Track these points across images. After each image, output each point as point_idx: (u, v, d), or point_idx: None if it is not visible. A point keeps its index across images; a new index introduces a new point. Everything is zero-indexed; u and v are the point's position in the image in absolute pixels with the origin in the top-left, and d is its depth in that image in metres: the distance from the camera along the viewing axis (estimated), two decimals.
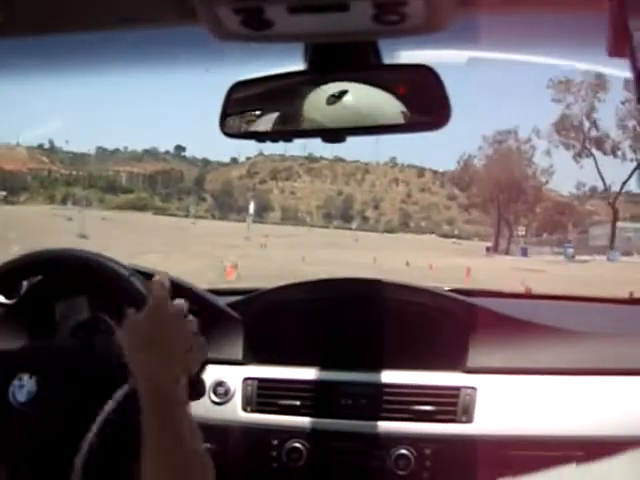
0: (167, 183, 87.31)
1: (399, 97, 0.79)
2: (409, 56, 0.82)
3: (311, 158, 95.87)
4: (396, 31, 0.65)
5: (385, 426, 1.25)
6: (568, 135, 35.68)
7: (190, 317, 0.86)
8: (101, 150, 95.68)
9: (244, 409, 1.31)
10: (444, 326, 1.34)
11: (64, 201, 59.69)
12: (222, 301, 1.44)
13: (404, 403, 1.26)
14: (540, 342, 1.30)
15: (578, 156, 35.33)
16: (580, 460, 0.36)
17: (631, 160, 33.75)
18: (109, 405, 0.99)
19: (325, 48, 0.78)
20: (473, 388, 1.26)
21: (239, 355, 1.37)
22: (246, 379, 1.33)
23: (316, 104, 0.79)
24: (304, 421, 1.28)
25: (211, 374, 1.33)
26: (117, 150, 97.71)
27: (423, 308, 1.35)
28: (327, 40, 0.74)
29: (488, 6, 0.66)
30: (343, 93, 0.77)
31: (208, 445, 0.93)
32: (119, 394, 1.00)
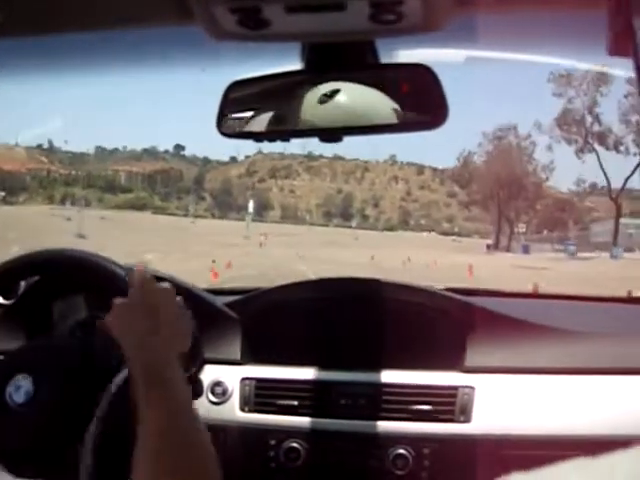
0: (166, 182, 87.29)
1: (396, 96, 0.79)
2: (406, 55, 0.82)
3: (310, 156, 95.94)
4: (393, 30, 0.65)
5: (383, 426, 1.25)
6: (570, 130, 35.20)
7: (177, 297, 0.87)
8: (100, 150, 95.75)
9: (242, 409, 1.31)
10: (442, 326, 1.34)
11: (63, 201, 59.64)
12: (220, 301, 1.44)
13: (402, 403, 1.26)
14: (538, 341, 1.30)
15: (580, 151, 34.93)
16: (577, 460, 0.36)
17: (634, 155, 33.34)
18: (111, 388, 1.00)
19: (322, 47, 0.78)
20: (471, 388, 1.26)
21: (237, 355, 1.37)
22: (244, 379, 1.33)
23: (312, 104, 0.78)
24: (302, 421, 1.28)
25: (209, 374, 1.33)
26: (116, 149, 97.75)
27: (421, 308, 1.35)
28: (324, 39, 0.74)
29: (485, 5, 0.66)
30: (335, 92, 0.77)
31: None
32: (120, 378, 1.00)
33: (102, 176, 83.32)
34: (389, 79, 0.81)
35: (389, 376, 1.30)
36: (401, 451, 1.22)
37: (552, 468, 0.32)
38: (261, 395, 1.31)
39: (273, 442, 1.26)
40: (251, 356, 1.38)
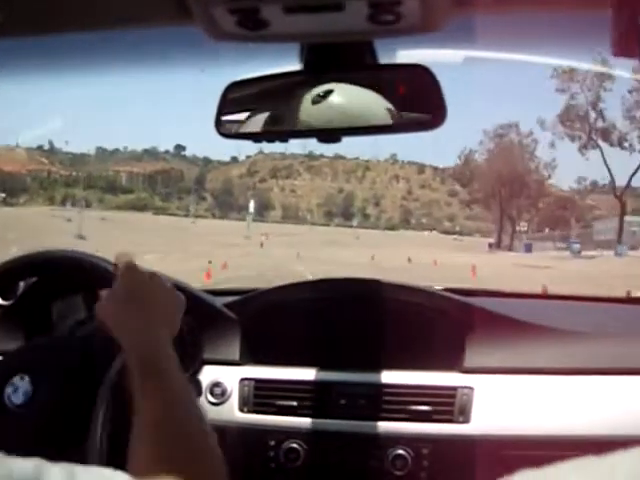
0: (167, 182, 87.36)
1: (394, 97, 0.79)
2: (405, 56, 0.82)
3: (311, 156, 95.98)
4: (392, 31, 0.65)
5: (382, 426, 1.25)
6: (573, 126, 34.78)
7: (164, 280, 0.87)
8: (101, 150, 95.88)
9: (241, 410, 1.31)
10: (441, 326, 1.34)
11: (64, 202, 59.67)
12: (219, 301, 1.44)
13: (401, 403, 1.26)
14: (537, 342, 1.30)
15: (584, 148, 34.53)
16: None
17: (639, 151, 32.95)
18: (111, 371, 1.00)
19: (321, 48, 0.78)
20: (470, 388, 1.25)
21: (236, 355, 1.37)
22: (243, 379, 1.33)
23: (308, 104, 0.78)
24: (301, 421, 1.28)
25: (208, 375, 1.33)
26: (117, 150, 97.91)
27: (420, 308, 1.35)
28: (323, 40, 0.74)
29: (484, 6, 0.66)
30: (328, 93, 0.77)
31: None
32: (118, 362, 1.00)
33: (103, 177, 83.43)
34: (388, 79, 0.81)
35: (388, 376, 1.30)
36: (400, 451, 1.21)
37: (552, 468, 0.32)
38: (260, 395, 1.31)
39: (272, 443, 1.26)
40: (250, 356, 1.38)
